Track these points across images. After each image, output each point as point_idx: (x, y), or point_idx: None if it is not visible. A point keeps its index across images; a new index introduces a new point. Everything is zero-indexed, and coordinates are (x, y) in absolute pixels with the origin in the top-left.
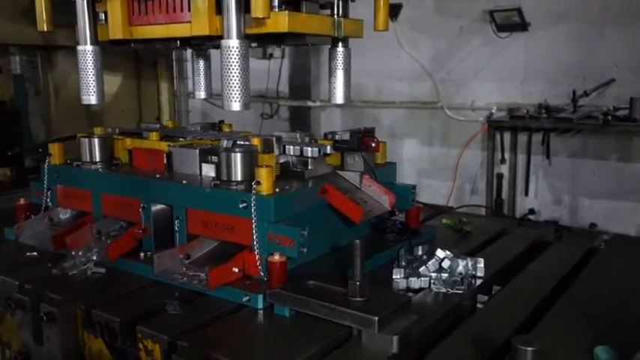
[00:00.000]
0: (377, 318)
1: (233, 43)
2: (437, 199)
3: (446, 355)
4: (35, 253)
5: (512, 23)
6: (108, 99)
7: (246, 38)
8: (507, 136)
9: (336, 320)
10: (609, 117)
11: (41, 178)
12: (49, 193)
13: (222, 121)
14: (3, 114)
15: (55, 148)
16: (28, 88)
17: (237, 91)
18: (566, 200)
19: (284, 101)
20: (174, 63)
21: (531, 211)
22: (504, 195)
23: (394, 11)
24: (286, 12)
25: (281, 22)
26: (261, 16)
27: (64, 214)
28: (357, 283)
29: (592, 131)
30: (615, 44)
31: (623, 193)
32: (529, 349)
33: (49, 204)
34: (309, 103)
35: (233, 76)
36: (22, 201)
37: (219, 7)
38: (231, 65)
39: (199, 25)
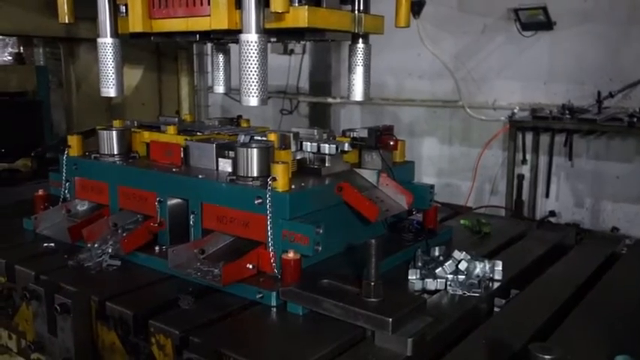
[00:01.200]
0: (391, 319)
1: (252, 37)
2: (456, 199)
3: None
4: (52, 244)
5: (537, 22)
6: (129, 92)
7: (265, 33)
8: (529, 137)
9: (349, 321)
10: (635, 119)
11: (60, 170)
12: (67, 184)
13: (240, 116)
14: (26, 105)
15: (73, 140)
16: (50, 80)
17: (256, 86)
18: (588, 203)
19: (304, 97)
20: (194, 57)
21: (552, 213)
22: (525, 196)
23: (417, 8)
24: (306, 7)
25: (301, 16)
26: (280, 11)
27: (82, 206)
28: (372, 284)
29: (616, 133)
30: None
31: None
32: (547, 357)
33: (67, 195)
34: (329, 100)
35: (251, 71)
36: (40, 192)
37: (238, 1)
38: (249, 60)
39: (219, 19)
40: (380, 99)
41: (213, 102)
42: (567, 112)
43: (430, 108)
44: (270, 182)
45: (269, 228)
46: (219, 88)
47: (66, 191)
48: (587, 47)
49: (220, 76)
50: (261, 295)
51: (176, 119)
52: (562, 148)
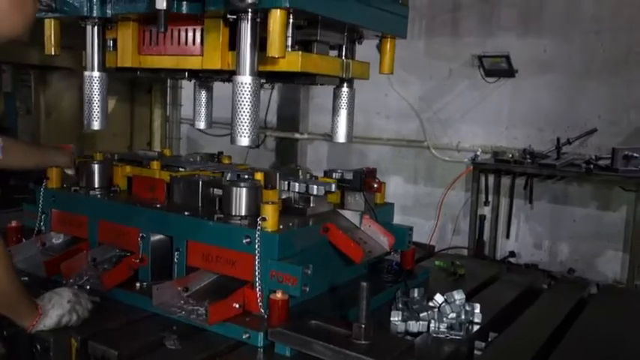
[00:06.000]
0: None
1: (246, 79)
2: (419, 238)
3: None
4: (26, 278)
5: (499, 69)
6: None
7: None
8: (491, 179)
9: None
10: (592, 166)
11: (36, 202)
12: (42, 216)
13: (221, 153)
14: None
15: (52, 173)
16: (18, 107)
17: (248, 126)
18: (546, 245)
19: (271, 132)
20: (168, 90)
21: (512, 254)
22: (485, 236)
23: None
24: (300, 52)
25: (294, 61)
26: (276, 56)
27: (57, 239)
28: (362, 326)
29: (574, 178)
30: (598, 96)
31: (602, 240)
32: None
33: (42, 228)
34: (297, 135)
35: (244, 112)
36: (13, 223)
37: (231, 43)
38: (243, 101)
39: (211, 60)
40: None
41: (181, 134)
42: (528, 156)
43: (396, 147)
44: (260, 222)
45: (257, 268)
46: (201, 124)
47: (41, 223)
48: (546, 95)
49: (202, 111)
50: (247, 336)
51: (156, 154)
52: (522, 190)
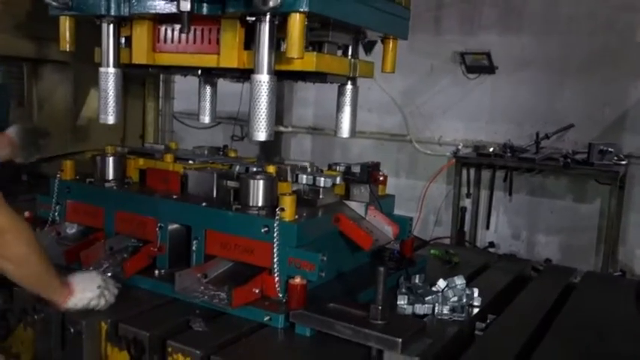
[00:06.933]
0: (400, 340)
1: (264, 78)
2: None
3: None
4: None
5: (480, 66)
6: (94, 114)
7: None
8: (472, 172)
9: (360, 341)
10: (569, 160)
11: (50, 193)
12: (57, 207)
13: (226, 146)
14: None
15: (67, 165)
16: (10, 99)
17: (264, 122)
18: (523, 235)
19: None
20: (161, 83)
21: (491, 244)
22: (466, 227)
23: (369, 46)
24: (314, 53)
25: (310, 61)
26: (296, 57)
27: (71, 229)
28: (379, 307)
29: (551, 172)
30: (575, 93)
31: (577, 231)
32: None
33: (57, 218)
34: (281, 129)
35: (261, 109)
36: (26, 214)
37: (246, 42)
38: (260, 98)
39: (228, 58)
40: (330, 129)
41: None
42: (508, 150)
43: (378, 140)
44: (278, 212)
45: (275, 255)
46: (205, 118)
47: (56, 214)
48: (525, 91)
49: (207, 106)
50: (268, 318)
51: (163, 147)
52: (502, 183)
